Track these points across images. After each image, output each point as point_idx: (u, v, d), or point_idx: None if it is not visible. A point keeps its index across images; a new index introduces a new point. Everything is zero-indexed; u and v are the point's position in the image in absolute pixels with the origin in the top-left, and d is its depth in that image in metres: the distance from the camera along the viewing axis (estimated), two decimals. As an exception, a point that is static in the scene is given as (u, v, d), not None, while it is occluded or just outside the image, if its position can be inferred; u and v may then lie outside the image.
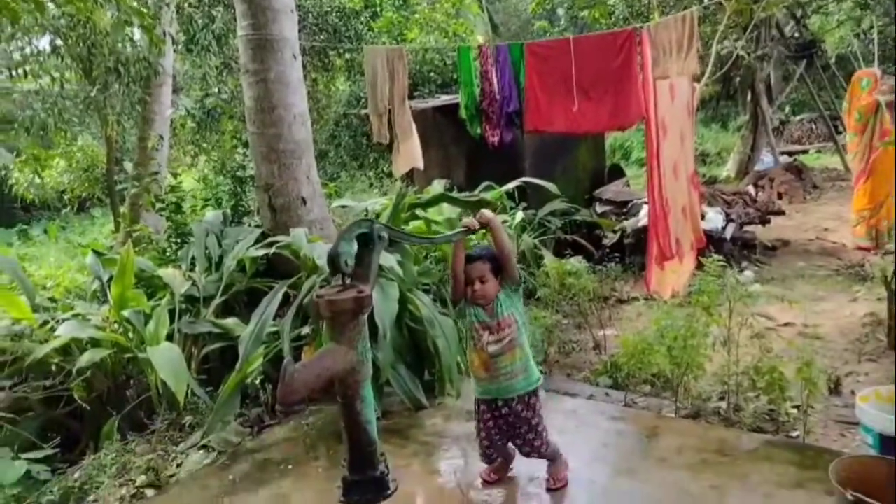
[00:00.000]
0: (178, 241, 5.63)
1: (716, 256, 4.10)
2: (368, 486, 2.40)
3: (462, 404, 4.17)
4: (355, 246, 2.39)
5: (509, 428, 3.11)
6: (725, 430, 3.64)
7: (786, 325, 5.46)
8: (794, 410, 3.92)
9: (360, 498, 2.41)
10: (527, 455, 3.11)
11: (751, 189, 8.68)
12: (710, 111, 19.38)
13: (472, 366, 3.14)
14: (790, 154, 13.59)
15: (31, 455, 3.86)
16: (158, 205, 5.64)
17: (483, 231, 3.15)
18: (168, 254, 5.61)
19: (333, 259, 2.26)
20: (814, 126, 16.29)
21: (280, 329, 4.30)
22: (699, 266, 5.75)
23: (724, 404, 4.04)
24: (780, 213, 8.40)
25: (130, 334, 4.49)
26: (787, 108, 17.52)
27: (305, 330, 4.61)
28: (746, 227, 7.67)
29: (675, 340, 3.89)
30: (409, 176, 7.20)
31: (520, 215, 6.62)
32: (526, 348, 3.08)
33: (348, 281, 2.35)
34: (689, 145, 5.31)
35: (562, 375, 4.80)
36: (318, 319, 4.39)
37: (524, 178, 6.81)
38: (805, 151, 14.87)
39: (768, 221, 7.95)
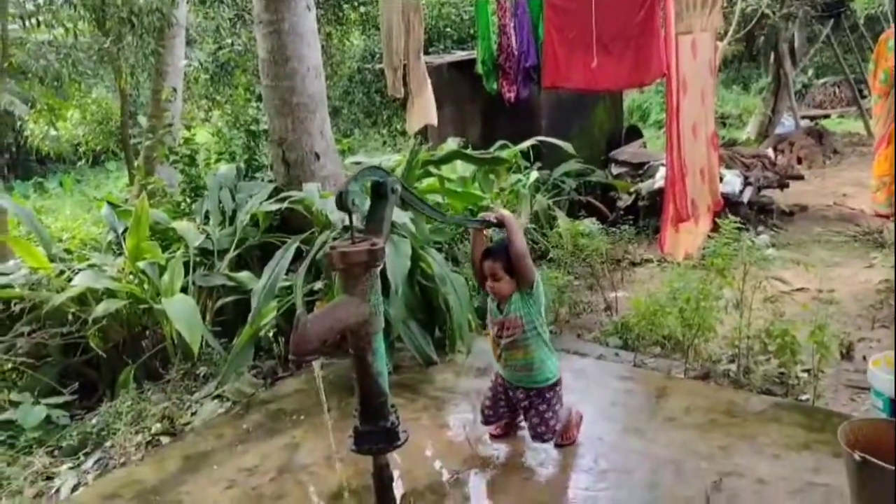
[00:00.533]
0: (192, 194, 5.64)
1: (732, 218, 4.05)
2: (379, 436, 2.43)
3: (472, 361, 4.20)
4: (366, 198, 2.36)
5: (517, 406, 3.17)
6: (735, 392, 3.64)
7: (799, 289, 5.42)
8: (805, 374, 3.92)
9: (371, 447, 2.45)
10: (532, 438, 3.10)
11: (770, 152, 8.52)
12: (731, 72, 18.96)
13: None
14: (812, 118, 13.30)
15: (51, 400, 3.96)
16: (172, 157, 5.64)
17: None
18: (182, 207, 5.63)
19: (341, 196, 2.24)
20: (837, 90, 15.90)
21: (293, 284, 4.32)
22: (714, 229, 5.70)
23: (734, 367, 4.04)
24: (799, 177, 8.26)
25: (145, 285, 4.54)
26: (811, 71, 17.09)
27: (318, 285, 4.64)
28: (764, 191, 7.56)
29: (688, 302, 3.88)
30: (423, 133, 7.13)
31: (534, 175, 6.56)
32: (536, 350, 3.06)
33: (356, 220, 2.34)
34: (710, 105, 5.20)
35: (572, 336, 4.81)
36: (331, 272, 4.41)
37: (539, 137, 6.73)
38: (827, 116, 14.54)
39: (787, 186, 7.83)
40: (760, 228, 7.15)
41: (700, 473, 2.89)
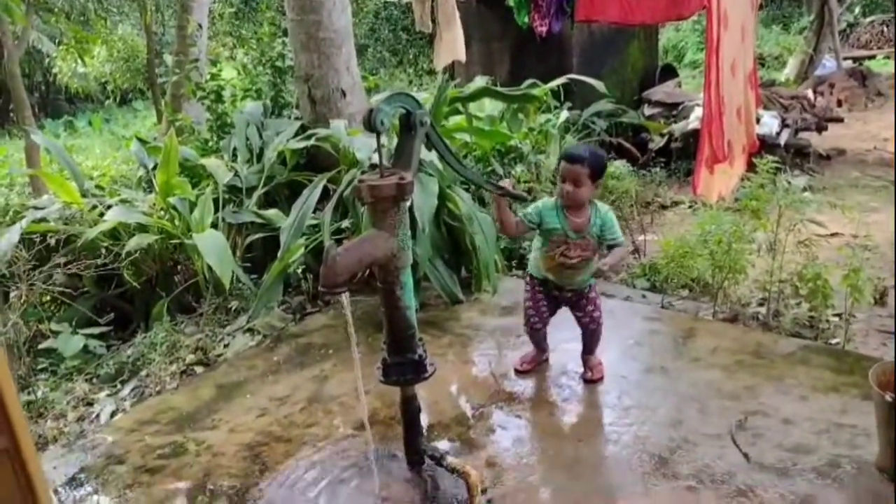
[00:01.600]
0: (220, 131, 5.64)
1: (770, 158, 3.94)
2: (407, 368, 2.47)
3: (498, 300, 4.22)
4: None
5: (560, 304, 3.25)
6: (763, 334, 3.62)
7: (833, 234, 5.31)
8: (836, 318, 3.88)
9: (399, 378, 2.50)
10: (585, 326, 3.23)
11: (809, 94, 8.22)
12: (772, 10, 18.15)
13: (537, 258, 3.19)
14: (855, 59, 12.75)
15: (88, 331, 4.08)
16: (199, 93, 5.61)
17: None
18: (210, 144, 5.64)
19: (370, 115, 2.22)
20: (885, 29, 15.16)
21: (320, 221, 4.34)
22: (749, 171, 5.57)
23: (763, 310, 4.01)
24: (839, 120, 7.98)
25: (176, 221, 4.59)
26: (858, 9, 16.28)
27: (345, 223, 4.65)
28: (802, 134, 7.34)
29: (719, 244, 3.82)
30: (449, 72, 6.98)
31: (564, 114, 6.43)
32: (592, 263, 3.13)
33: (383, 141, 2.31)
34: (750, 42, 4.99)
35: (598, 277, 4.78)
36: (359, 206, 4.42)
37: (571, 76, 6.56)
38: (872, 57, 13.92)
39: (825, 128, 7.58)
40: (796, 172, 6.97)
41: (725, 412, 2.90)
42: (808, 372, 3.16)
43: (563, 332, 3.42)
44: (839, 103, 9.76)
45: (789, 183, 3.85)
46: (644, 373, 3.29)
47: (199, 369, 3.79)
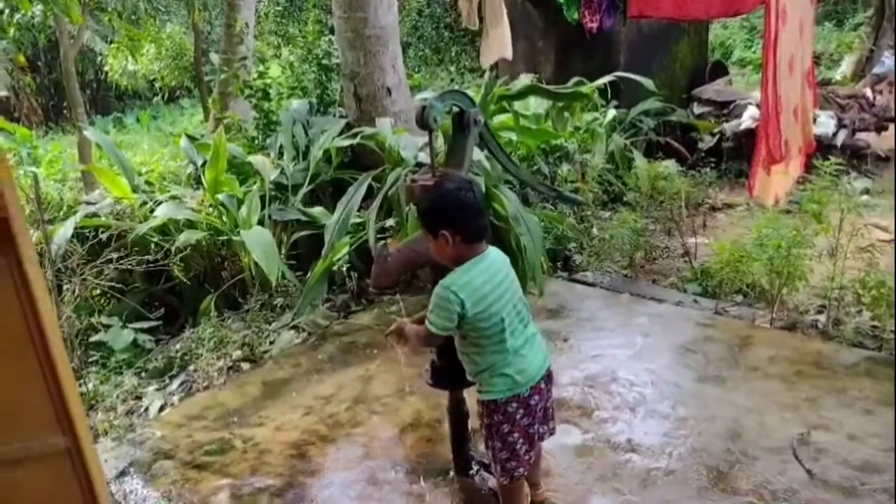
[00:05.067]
0: (266, 129, 5.67)
1: (833, 160, 3.78)
2: (457, 372, 2.42)
3: (544, 303, 4.14)
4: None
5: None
6: (823, 344, 3.47)
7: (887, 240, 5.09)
8: (899, 327, 3.70)
9: (448, 383, 2.45)
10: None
11: (868, 92, 7.90)
12: (825, 6, 17.57)
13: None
14: (916, 56, 12.21)
15: (137, 325, 4.14)
16: (246, 91, 5.66)
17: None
18: (257, 142, 5.68)
19: (423, 112, 2.17)
20: (947, 24, 14.50)
21: (365, 220, 4.33)
22: (806, 172, 5.38)
23: (822, 318, 3.85)
24: (899, 120, 7.64)
25: (224, 217, 4.63)
26: (918, 4, 15.60)
27: (389, 222, 4.64)
28: (859, 134, 7.04)
29: (778, 249, 3.68)
30: (494, 70, 6.90)
31: (611, 113, 6.30)
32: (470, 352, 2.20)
33: (435, 136, 2.27)
34: (809, 38, 4.78)
35: (647, 280, 4.67)
36: (406, 205, 4.39)
37: (618, 73, 6.41)
38: (932, 53, 13.31)
39: (885, 129, 7.26)
40: (854, 174, 6.70)
41: (785, 425, 2.79)
42: (873, 385, 3.01)
43: (613, 337, 3.34)
44: (887, 102, 9.35)
45: (852, 187, 3.67)
46: (699, 381, 3.18)
47: (245, 366, 3.81)
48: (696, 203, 6.00)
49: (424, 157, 4.44)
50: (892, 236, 4.40)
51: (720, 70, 8.60)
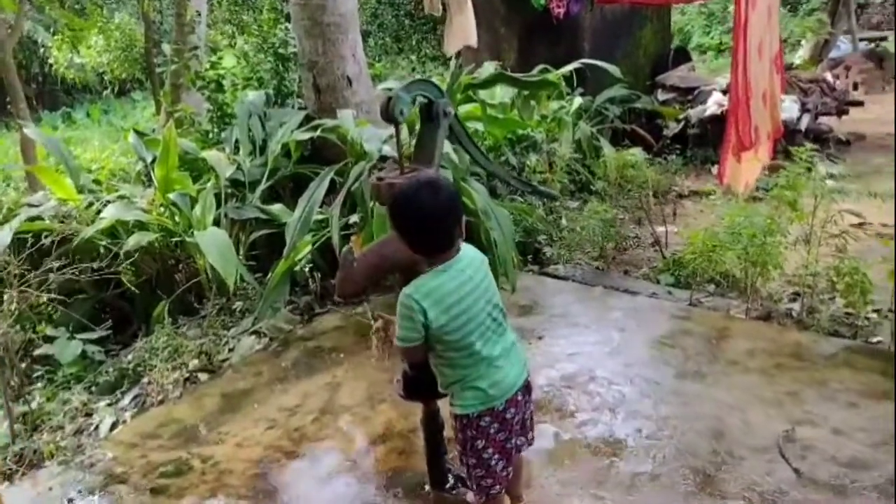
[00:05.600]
0: (221, 122, 5.41)
1: (809, 146, 3.71)
2: (432, 382, 2.25)
3: (516, 298, 4.00)
4: (411, 104, 2.10)
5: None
6: (800, 334, 3.41)
7: (860, 224, 5.08)
8: (874, 315, 3.66)
9: (421, 395, 2.29)
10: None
11: (829, 76, 7.96)
12: (780, -8, 17.76)
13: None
14: (871, 41, 12.43)
15: (86, 336, 3.88)
16: (199, 83, 5.38)
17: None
18: (211, 136, 5.41)
19: (388, 103, 2.00)
20: (897, 9, 14.80)
21: (328, 216, 4.13)
22: (774, 157, 5.34)
23: (797, 306, 3.80)
24: (859, 103, 7.71)
25: (176, 218, 4.38)
26: (869, -11, 15.90)
27: (354, 218, 4.44)
28: (821, 118, 7.09)
29: (753, 238, 3.60)
30: (459, 58, 6.73)
31: (578, 101, 6.19)
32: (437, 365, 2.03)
33: (399, 126, 2.09)
34: (776, 22, 4.73)
35: (618, 272, 4.58)
36: (368, 203, 4.21)
37: (584, 60, 6.30)
38: (883, 38, 13.59)
39: (846, 113, 7.33)
40: (816, 157, 6.73)
41: (769, 422, 2.70)
42: (855, 376, 2.95)
43: (588, 333, 3.23)
44: (855, 86, 9.48)
45: (828, 174, 3.61)
46: (679, 378, 3.08)
47: (202, 376, 3.59)
48: (663, 191, 5.94)
49: (389, 149, 4.26)
50: (865, 221, 4.38)
51: (683, 56, 8.58)
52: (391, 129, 4.41)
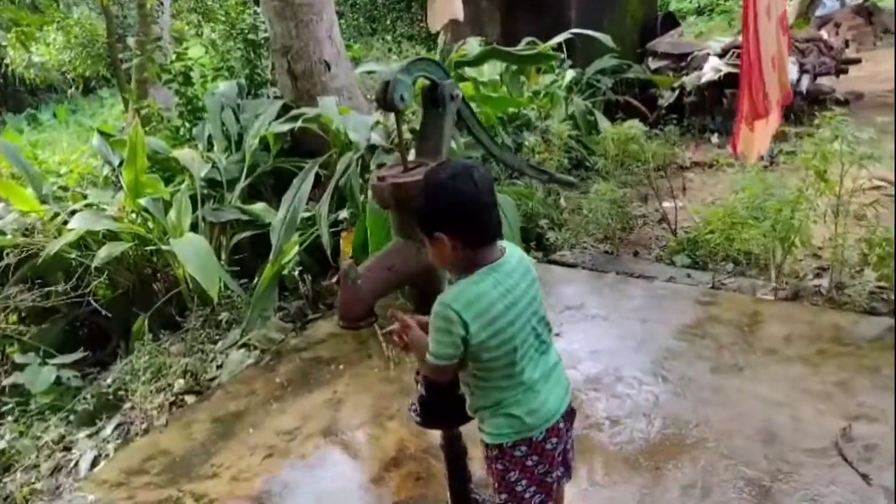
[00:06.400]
0: (191, 117, 5.04)
1: (837, 110, 3.43)
2: (451, 408, 1.96)
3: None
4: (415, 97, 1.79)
5: None
6: (837, 314, 3.16)
7: (874, 188, 4.85)
8: (907, 287, 3.42)
9: (442, 422, 2.00)
10: None
11: (825, 34, 7.69)
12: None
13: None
14: (856, -5, 12.16)
15: (60, 360, 3.55)
16: (165, 76, 4.99)
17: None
18: (182, 133, 5.05)
19: (387, 88, 1.68)
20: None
21: (315, 214, 3.80)
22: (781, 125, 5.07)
23: (824, 282, 3.55)
24: (856, 61, 7.46)
25: (150, 224, 4.04)
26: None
27: (343, 214, 4.13)
28: (820, 79, 6.82)
29: (780, 213, 3.33)
30: (447, 34, 6.36)
31: (570, 74, 5.87)
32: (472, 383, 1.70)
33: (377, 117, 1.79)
34: (781, -21, 4.45)
35: (628, 254, 4.30)
36: (357, 193, 3.89)
37: (574, 31, 5.97)
38: (868, -7, 13.33)
39: (845, 72, 7.07)
40: (816, 121, 6.47)
41: (821, 419, 2.45)
42: (906, 359, 2.70)
43: (608, 327, 2.95)
44: (846, 43, 9.21)
45: (856, 138, 3.33)
46: (715, 373, 2.81)
47: (189, 398, 3.27)
48: (663, 164, 5.66)
49: (378, 138, 3.93)
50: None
51: (671, 22, 8.27)
52: (378, 116, 4.08)
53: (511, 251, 1.61)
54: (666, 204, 4.86)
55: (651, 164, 5.03)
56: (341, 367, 3.26)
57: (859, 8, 10.08)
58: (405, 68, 1.74)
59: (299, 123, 4.17)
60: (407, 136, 3.84)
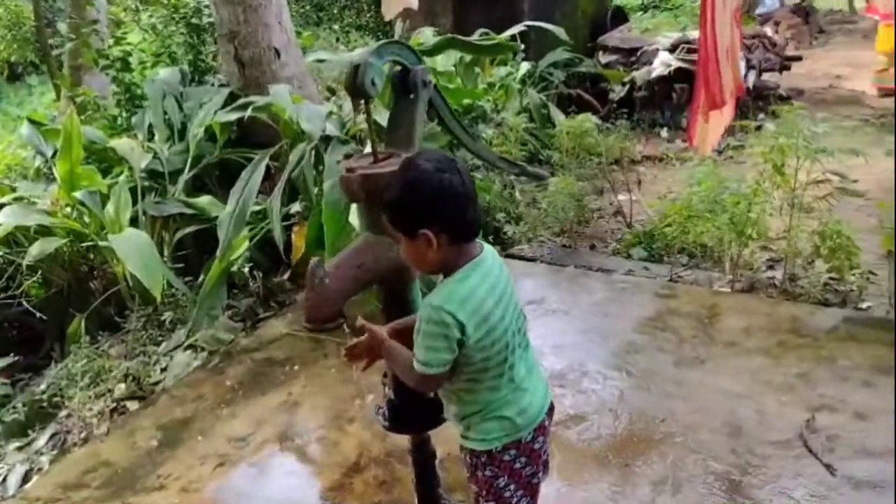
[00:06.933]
0: (130, 106, 4.76)
1: (797, 104, 3.48)
2: (423, 411, 1.87)
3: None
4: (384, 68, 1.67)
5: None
6: (793, 306, 3.20)
7: (819, 182, 4.98)
8: (853, 278, 3.50)
9: (411, 426, 1.90)
10: None
11: (769, 31, 7.88)
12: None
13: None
14: (793, -5, 12.56)
15: (-15, 366, 3.29)
16: (102, 62, 4.70)
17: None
18: (120, 122, 4.77)
19: (357, 72, 1.56)
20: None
21: (267, 208, 3.63)
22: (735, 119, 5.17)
23: (778, 274, 3.61)
24: (798, 58, 7.68)
25: (86, 218, 3.79)
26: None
27: (295, 207, 3.97)
28: (765, 75, 6.99)
29: (737, 206, 3.36)
30: (406, 22, 6.22)
31: (524, 66, 5.83)
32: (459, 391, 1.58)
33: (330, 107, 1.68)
34: (735, -27, 4.52)
35: (585, 248, 4.28)
36: (310, 185, 3.74)
37: (528, 23, 5.92)
38: (803, -7, 13.80)
39: (788, 68, 7.26)
40: (760, 116, 6.63)
41: (784, 410, 2.46)
42: (862, 350, 2.75)
43: (569, 321, 2.90)
44: (785, 41, 9.50)
45: (811, 132, 3.38)
46: (678, 366, 2.80)
47: (132, 404, 3.07)
48: (617, 158, 5.69)
49: (332, 128, 3.78)
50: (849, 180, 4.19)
51: (621, 17, 8.34)
52: (332, 106, 3.92)
53: (487, 250, 1.52)
54: (621, 197, 4.88)
55: (606, 157, 5.05)
56: (296, 367, 3.12)
57: (797, 7, 10.41)
58: (375, 52, 1.63)
59: (249, 112, 3.97)
60: (362, 126, 3.71)
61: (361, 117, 4.09)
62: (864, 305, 3.29)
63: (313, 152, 3.76)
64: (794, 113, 3.37)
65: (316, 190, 3.77)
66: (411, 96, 1.73)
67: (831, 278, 3.51)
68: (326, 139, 3.68)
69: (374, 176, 1.59)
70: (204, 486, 2.43)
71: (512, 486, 1.61)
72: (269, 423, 2.74)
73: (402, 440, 2.32)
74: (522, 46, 5.87)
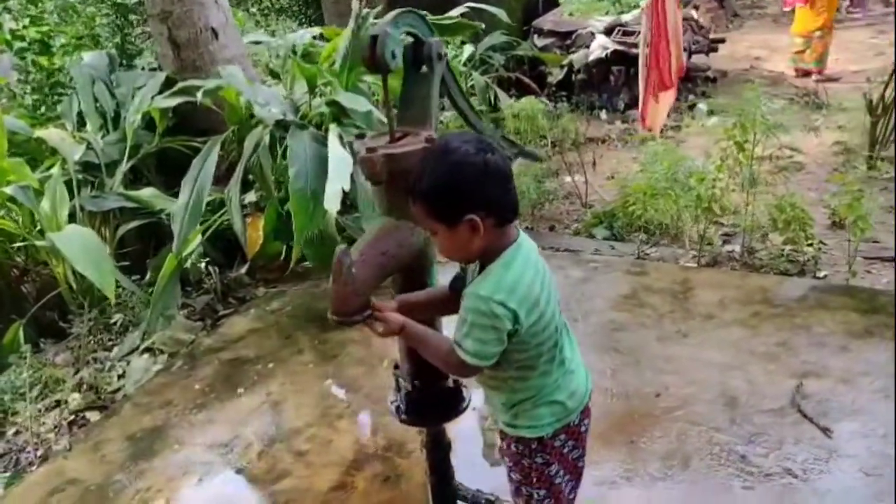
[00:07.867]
0: (52, 93, 4.37)
1: (758, 82, 3.56)
2: (440, 400, 1.78)
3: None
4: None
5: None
6: (761, 277, 3.30)
7: (773, 157, 5.18)
8: (809, 248, 3.66)
9: (429, 418, 1.81)
10: None
11: (695, 14, 8.13)
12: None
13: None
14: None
15: None
16: (17, 44, 4.28)
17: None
18: (42, 111, 4.36)
19: (374, 45, 1.45)
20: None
21: (226, 198, 3.40)
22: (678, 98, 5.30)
23: (736, 248, 3.72)
24: (722, 41, 7.97)
25: (16, 215, 3.45)
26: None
27: (250, 197, 3.76)
28: (694, 57, 7.21)
29: (702, 182, 3.43)
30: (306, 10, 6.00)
31: (469, 49, 5.76)
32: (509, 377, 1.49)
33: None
34: (677, -45, 4.60)
35: (545, 229, 4.29)
36: (267, 174, 3.54)
37: (471, 4, 5.84)
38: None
39: (715, 50, 7.52)
40: (691, 97, 6.85)
41: (772, 379, 2.53)
42: (833, 317, 2.86)
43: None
44: (710, 25, 9.87)
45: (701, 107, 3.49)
46: (662, 341, 2.83)
47: (92, 415, 2.83)
48: (574, 140, 5.73)
49: (289, 113, 3.59)
50: (800, 154, 4.35)
51: (552, 0, 8.38)
52: (282, 90, 3.71)
53: (522, 232, 1.45)
54: (571, 178, 4.91)
55: (561, 139, 5.07)
56: (270, 365, 2.95)
57: (712, -8, 10.80)
58: (392, 22, 1.51)
59: (200, 97, 3.67)
60: (324, 109, 3.54)
61: (317, 100, 3.93)
62: (822, 274, 3.43)
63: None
64: (755, 90, 3.45)
65: (273, 178, 3.58)
66: (426, 70, 1.62)
67: (792, 250, 3.65)
68: (282, 124, 3.48)
69: (397, 155, 1.48)
70: (192, 498, 2.26)
71: (562, 472, 1.56)
72: (251, 425, 2.58)
73: (398, 433, 2.26)
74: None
